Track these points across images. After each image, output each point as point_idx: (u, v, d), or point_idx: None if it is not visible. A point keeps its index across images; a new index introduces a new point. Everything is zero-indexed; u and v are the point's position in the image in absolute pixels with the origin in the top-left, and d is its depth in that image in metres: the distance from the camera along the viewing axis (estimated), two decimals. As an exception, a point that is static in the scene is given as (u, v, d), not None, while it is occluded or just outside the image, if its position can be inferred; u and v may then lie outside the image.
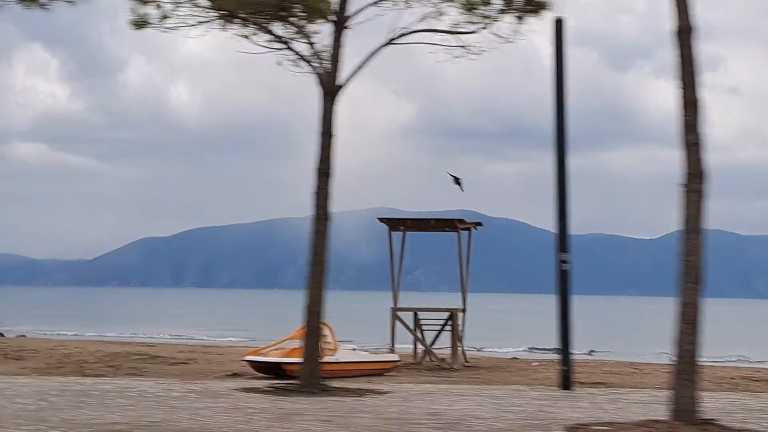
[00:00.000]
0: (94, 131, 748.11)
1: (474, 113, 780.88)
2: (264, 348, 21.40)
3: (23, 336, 39.01)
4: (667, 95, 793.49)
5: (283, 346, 20.64)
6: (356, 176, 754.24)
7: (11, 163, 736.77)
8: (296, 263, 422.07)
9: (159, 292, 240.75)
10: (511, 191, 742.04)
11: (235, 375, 20.70)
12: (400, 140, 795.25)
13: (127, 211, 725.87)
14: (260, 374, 19.92)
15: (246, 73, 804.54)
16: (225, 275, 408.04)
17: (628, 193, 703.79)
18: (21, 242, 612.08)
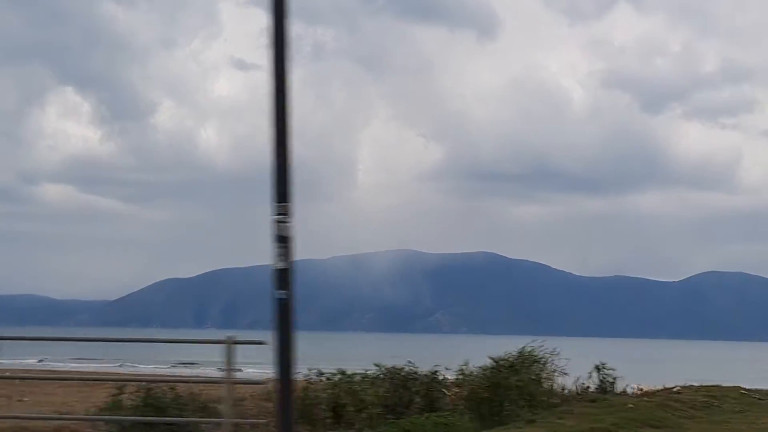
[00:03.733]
0: (122, 173, 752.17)
1: (502, 156, 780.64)
2: None
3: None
4: (697, 138, 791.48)
5: None
6: (382, 219, 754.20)
7: (37, 205, 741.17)
8: (318, 304, 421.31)
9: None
10: (534, 234, 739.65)
11: None
12: (427, 183, 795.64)
13: (151, 252, 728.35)
14: None
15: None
16: (247, 316, 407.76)
17: (654, 236, 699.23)
18: (44, 283, 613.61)
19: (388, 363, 22.95)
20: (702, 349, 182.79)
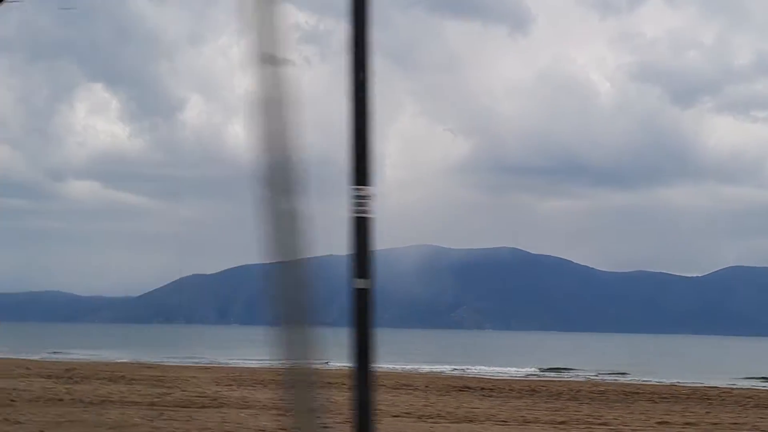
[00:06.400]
0: (149, 169, 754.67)
1: (529, 150, 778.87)
2: None
3: None
4: (728, 131, 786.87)
5: None
6: (407, 214, 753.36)
7: (63, 201, 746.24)
8: (339, 301, 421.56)
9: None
10: (559, 228, 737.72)
11: None
12: (454, 178, 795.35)
13: (175, 248, 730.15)
14: None
15: (301, 112, 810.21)
16: (270, 313, 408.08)
17: (680, 231, 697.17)
18: (67, 279, 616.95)
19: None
20: (731, 346, 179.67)
